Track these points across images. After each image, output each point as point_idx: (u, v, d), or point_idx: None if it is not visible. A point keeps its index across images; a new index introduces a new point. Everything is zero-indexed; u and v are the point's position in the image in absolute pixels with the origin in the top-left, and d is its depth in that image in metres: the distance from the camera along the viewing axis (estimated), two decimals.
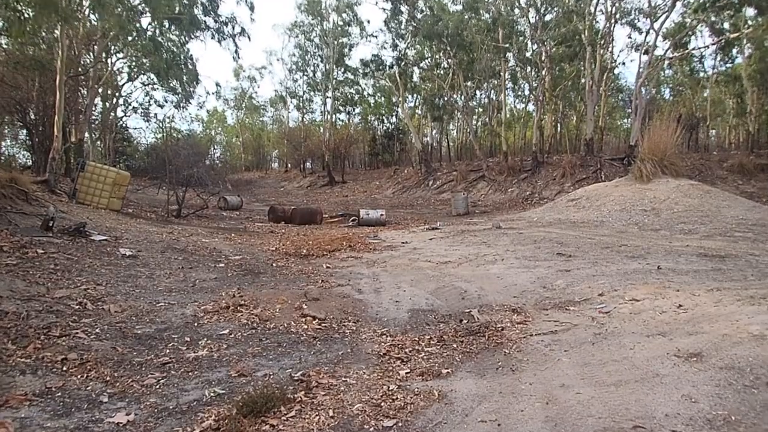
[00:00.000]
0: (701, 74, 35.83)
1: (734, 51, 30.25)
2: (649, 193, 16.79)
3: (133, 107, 36.52)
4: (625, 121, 42.21)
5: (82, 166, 15.25)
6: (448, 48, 34.60)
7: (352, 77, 50.14)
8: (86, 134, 24.38)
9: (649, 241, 10.98)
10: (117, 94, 31.86)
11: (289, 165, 59.60)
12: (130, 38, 20.33)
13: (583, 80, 32.12)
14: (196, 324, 5.93)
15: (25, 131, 23.52)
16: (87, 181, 15.07)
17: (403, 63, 39.63)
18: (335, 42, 43.51)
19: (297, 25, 48.75)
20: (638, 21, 29.51)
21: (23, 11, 11.79)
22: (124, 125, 39.47)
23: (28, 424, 3.87)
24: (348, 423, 3.96)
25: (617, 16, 29.73)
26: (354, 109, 55.89)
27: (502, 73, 34.96)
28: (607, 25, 29.47)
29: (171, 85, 27.61)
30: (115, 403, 4.22)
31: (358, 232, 16.34)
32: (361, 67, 46.29)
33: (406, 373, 4.79)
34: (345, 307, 6.79)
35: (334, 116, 52.49)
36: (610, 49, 33.13)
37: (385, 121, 55.20)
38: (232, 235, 14.31)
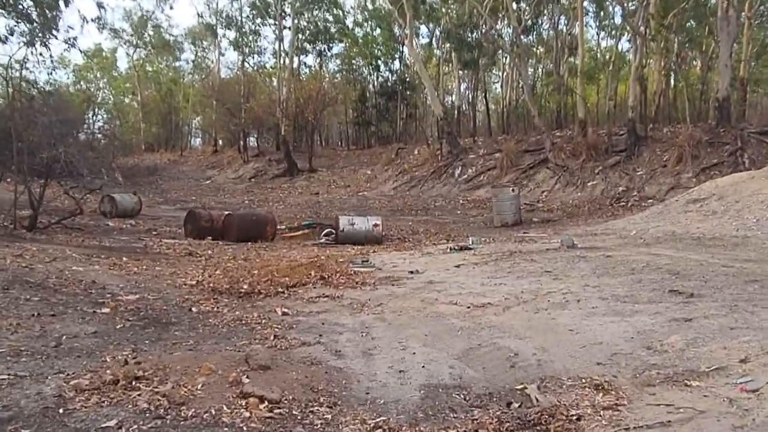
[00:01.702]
0: None
1: None
2: None
3: None
4: None
5: None
6: None
7: None
8: None
9: None
10: None
11: (221, 142, 59.74)
12: None
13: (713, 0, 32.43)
14: (61, 411, 5.86)
15: None
16: None
17: None
18: None
19: None
20: None
21: None
22: None
23: None
24: None
25: None
26: (330, 48, 56.25)
27: None
28: None
29: (18, 5, 27.48)
30: None
31: (337, 254, 16.29)
32: None
33: None
34: (314, 380, 6.73)
35: (296, 60, 52.83)
36: None
37: (382, 68, 55.52)
38: (124, 259, 14.24)
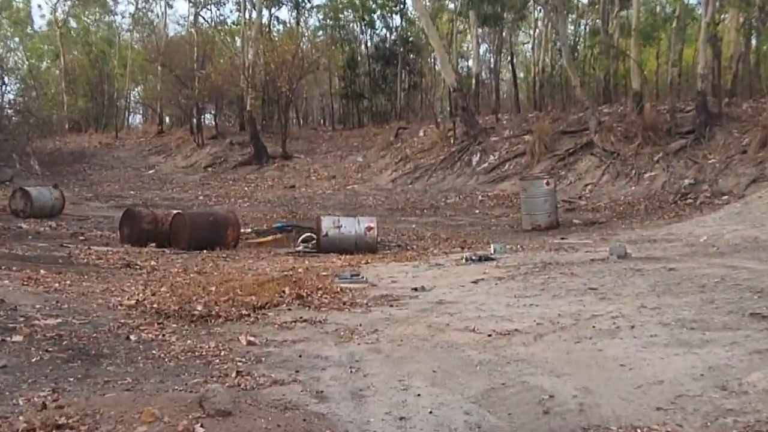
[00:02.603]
0: None
1: None
2: None
3: None
4: None
5: None
6: None
7: None
8: None
9: None
10: None
11: (168, 120, 59.65)
12: None
13: None
14: None
15: None
16: None
17: None
18: None
19: None
20: None
21: None
22: None
23: None
24: None
25: None
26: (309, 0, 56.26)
27: None
28: None
29: None
30: None
31: (318, 266, 16.28)
32: None
33: None
34: (288, 430, 6.73)
35: (266, 13, 52.76)
36: None
37: (378, 24, 55.54)
38: (42, 272, 14.18)
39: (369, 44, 55.63)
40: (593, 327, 9.69)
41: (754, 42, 41.18)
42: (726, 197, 26.30)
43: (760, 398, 7.03)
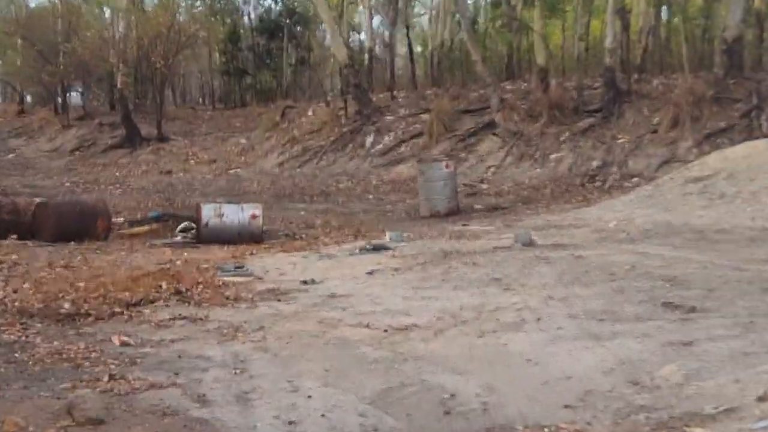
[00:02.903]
0: None
1: None
2: None
3: None
4: None
5: None
6: None
7: None
8: None
9: None
10: None
11: (29, 98, 58.51)
12: None
13: None
14: None
15: None
16: None
17: None
18: None
19: None
20: None
21: None
22: None
23: None
24: None
25: None
26: None
27: None
28: None
29: None
30: None
31: (198, 258, 16.15)
32: None
33: None
34: None
35: None
36: None
37: None
38: None
39: (252, 16, 55.41)
40: (497, 320, 9.78)
41: (664, 14, 42.00)
42: (636, 179, 26.76)
43: (673, 393, 7.16)
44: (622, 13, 34.86)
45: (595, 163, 29.38)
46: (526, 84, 37.92)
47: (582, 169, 29.33)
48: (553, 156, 30.90)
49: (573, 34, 44.40)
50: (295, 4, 53.09)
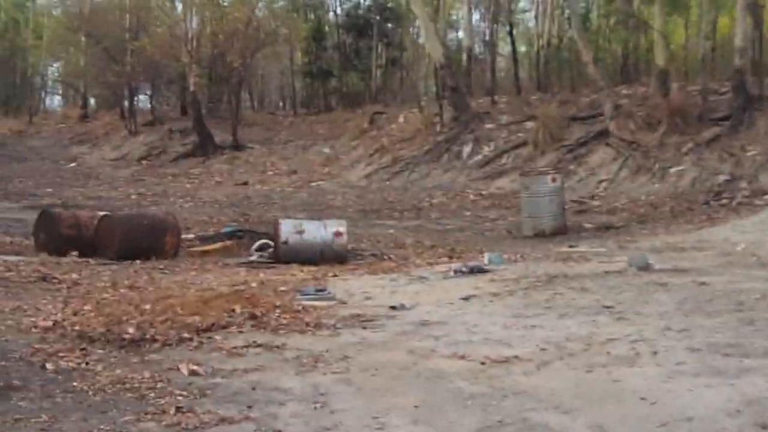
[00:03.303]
0: None
1: None
2: None
3: None
4: None
5: None
6: None
7: None
8: None
9: None
10: None
11: (94, 102, 59.32)
12: None
13: None
14: None
15: None
16: None
17: None
18: None
19: None
20: None
21: None
22: None
23: None
24: None
25: None
26: None
27: None
28: None
29: None
30: None
31: (276, 279, 16.24)
32: None
33: None
34: None
35: None
36: None
37: None
38: None
39: (338, 11, 55.72)
40: (608, 353, 9.70)
41: None
42: None
43: None
44: (754, 7, 34.35)
45: (721, 178, 29.02)
46: (644, 88, 37.64)
47: (706, 185, 29.01)
48: (673, 169, 30.61)
49: (697, 32, 43.97)
50: (388, 2, 53.23)
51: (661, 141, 31.95)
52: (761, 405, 7.73)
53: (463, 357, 9.84)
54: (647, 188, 30.25)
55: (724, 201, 27.42)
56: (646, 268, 15.56)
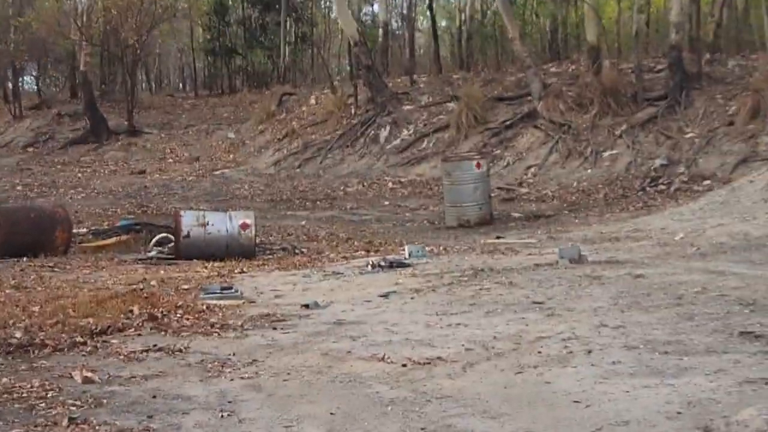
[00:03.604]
0: None
1: None
2: None
3: None
4: None
5: None
6: None
7: None
8: None
9: None
10: None
11: None
12: None
13: None
14: None
15: None
16: None
17: None
18: None
19: None
20: None
21: None
22: None
23: None
24: None
25: None
26: None
27: None
28: None
29: None
30: None
31: (178, 276, 16.21)
32: None
33: None
34: None
35: None
36: None
37: None
38: None
39: None
40: (539, 352, 9.75)
41: None
42: (708, 182, 26.69)
43: None
44: None
45: (658, 162, 29.29)
46: (574, 66, 37.92)
47: (642, 170, 29.27)
48: (606, 153, 30.86)
49: (630, 5, 44.35)
50: None
51: (593, 123, 32.17)
52: (702, 406, 7.80)
53: (382, 359, 9.85)
54: (579, 174, 30.46)
55: (661, 187, 27.68)
56: (578, 260, 15.67)
